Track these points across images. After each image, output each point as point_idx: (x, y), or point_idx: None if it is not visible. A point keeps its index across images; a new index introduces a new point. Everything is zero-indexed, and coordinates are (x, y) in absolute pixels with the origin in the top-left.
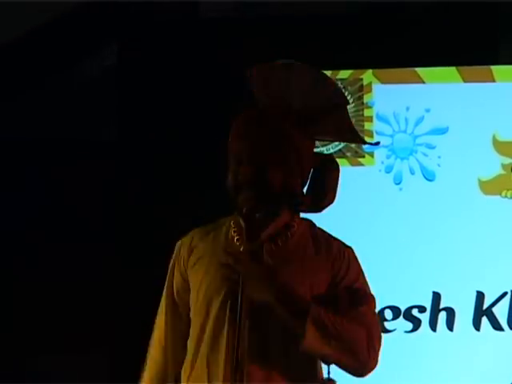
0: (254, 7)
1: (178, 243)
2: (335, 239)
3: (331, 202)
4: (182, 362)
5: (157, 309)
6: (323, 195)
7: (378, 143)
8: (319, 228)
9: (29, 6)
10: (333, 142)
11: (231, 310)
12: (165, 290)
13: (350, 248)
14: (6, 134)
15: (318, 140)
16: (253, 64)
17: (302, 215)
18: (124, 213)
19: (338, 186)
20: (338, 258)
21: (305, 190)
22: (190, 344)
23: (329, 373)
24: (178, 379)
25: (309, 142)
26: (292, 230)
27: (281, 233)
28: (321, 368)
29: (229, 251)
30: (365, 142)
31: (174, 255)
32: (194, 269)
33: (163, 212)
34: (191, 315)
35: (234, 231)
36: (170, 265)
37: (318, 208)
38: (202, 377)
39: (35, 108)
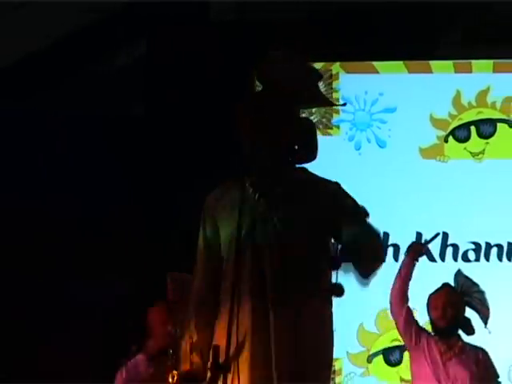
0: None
1: (207, 198)
2: (321, 180)
3: (315, 155)
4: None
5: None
6: (312, 149)
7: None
8: (310, 173)
9: (77, 6)
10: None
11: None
12: (200, 234)
13: (335, 184)
14: (54, 110)
15: (303, 108)
16: (254, 58)
17: None
18: (151, 176)
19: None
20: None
21: None
22: (224, 280)
23: (337, 278)
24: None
25: (298, 112)
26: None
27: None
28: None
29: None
30: (335, 105)
31: (203, 212)
32: (221, 213)
33: (186, 175)
34: (223, 251)
35: (249, 184)
36: (202, 216)
37: (310, 159)
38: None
39: (78, 89)
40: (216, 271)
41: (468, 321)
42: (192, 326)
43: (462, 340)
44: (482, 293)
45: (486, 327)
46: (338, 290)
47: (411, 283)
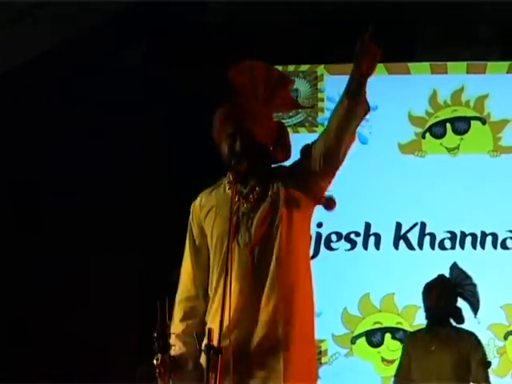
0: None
1: (192, 205)
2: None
3: (290, 154)
4: (206, 285)
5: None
6: (287, 149)
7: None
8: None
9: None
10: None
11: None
12: (187, 238)
13: None
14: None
15: (277, 112)
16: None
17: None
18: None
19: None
20: None
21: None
22: (211, 277)
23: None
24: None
25: (271, 115)
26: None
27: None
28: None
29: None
30: (304, 107)
31: (190, 215)
32: (206, 218)
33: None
34: (210, 253)
35: (229, 188)
36: (189, 221)
37: (285, 158)
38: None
39: (89, 83)
40: (203, 271)
41: (459, 310)
42: (177, 319)
43: (452, 326)
44: (474, 285)
45: (475, 317)
46: (331, 201)
47: (390, 270)
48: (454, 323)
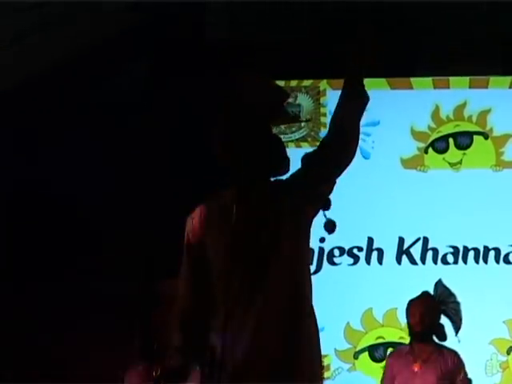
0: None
1: (189, 219)
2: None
3: (289, 167)
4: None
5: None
6: (286, 162)
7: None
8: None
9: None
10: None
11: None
12: (184, 251)
13: None
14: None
15: (275, 125)
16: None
17: None
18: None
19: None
20: None
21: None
22: (214, 291)
23: (325, 215)
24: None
25: (270, 129)
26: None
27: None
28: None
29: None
30: (301, 120)
31: (187, 228)
32: (207, 231)
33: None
34: (213, 266)
35: (230, 200)
36: (186, 234)
37: (285, 172)
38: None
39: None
40: (203, 285)
41: (442, 327)
42: (176, 331)
43: (435, 344)
44: (457, 303)
45: (456, 335)
46: (330, 224)
47: (393, 284)
48: (436, 340)
